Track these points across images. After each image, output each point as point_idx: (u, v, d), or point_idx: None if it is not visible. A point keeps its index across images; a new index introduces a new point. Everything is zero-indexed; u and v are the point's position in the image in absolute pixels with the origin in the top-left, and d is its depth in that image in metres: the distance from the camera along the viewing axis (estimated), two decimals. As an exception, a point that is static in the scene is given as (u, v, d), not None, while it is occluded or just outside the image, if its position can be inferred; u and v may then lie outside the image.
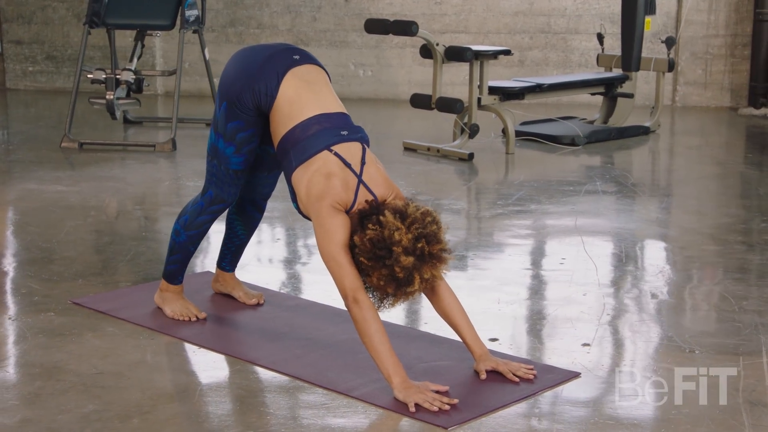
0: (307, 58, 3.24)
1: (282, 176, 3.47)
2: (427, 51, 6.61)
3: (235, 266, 3.74)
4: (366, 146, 3.11)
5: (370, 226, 2.87)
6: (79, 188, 5.55)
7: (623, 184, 5.85)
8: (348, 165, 3.02)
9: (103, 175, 5.96)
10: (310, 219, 3.06)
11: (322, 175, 3.00)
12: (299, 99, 3.12)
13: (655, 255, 4.47)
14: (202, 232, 3.48)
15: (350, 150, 3.06)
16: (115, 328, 3.43)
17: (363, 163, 3.05)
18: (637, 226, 4.90)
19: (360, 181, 3.01)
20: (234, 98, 3.19)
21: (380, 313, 2.94)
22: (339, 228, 2.93)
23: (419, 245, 2.83)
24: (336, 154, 3.03)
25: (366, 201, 2.98)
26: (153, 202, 5.41)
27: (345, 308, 3.53)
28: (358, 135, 3.11)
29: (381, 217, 2.86)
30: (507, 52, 6.72)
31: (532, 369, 3.06)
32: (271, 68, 3.16)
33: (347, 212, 2.99)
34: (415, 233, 2.84)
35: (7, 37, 9.83)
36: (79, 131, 7.19)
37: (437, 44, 6.49)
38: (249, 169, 3.36)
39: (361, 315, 2.88)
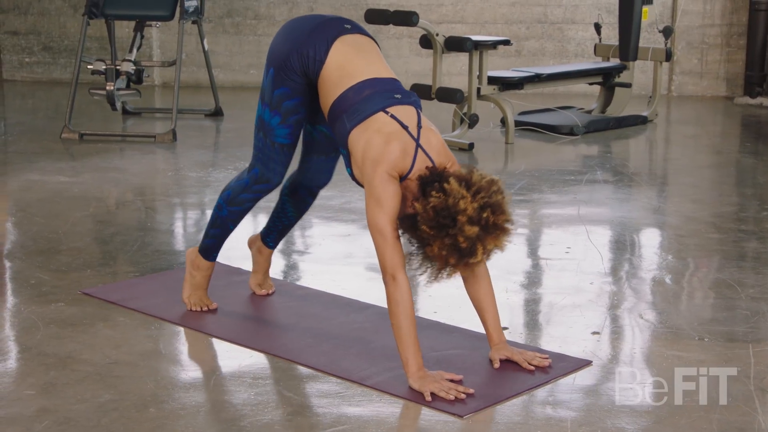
0: (358, 28, 3.16)
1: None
2: (426, 41, 6.60)
3: (277, 245, 3.65)
4: (420, 110, 3.04)
5: (433, 193, 2.78)
6: (82, 179, 5.54)
7: (623, 173, 5.86)
8: (405, 127, 2.93)
9: (104, 166, 5.95)
10: (362, 185, 2.98)
11: (382, 137, 2.90)
12: (349, 64, 3.04)
13: (659, 243, 4.47)
14: (244, 210, 3.39)
15: (406, 113, 2.97)
16: (126, 318, 3.43)
17: (419, 126, 2.96)
18: (639, 214, 4.91)
19: (418, 145, 2.92)
20: (282, 62, 3.12)
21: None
22: (390, 198, 2.85)
23: (484, 215, 2.75)
24: (393, 116, 2.94)
25: (426, 167, 2.89)
26: (156, 193, 5.40)
27: (354, 298, 3.57)
28: (412, 99, 3.03)
29: (445, 185, 2.77)
30: (506, 42, 6.72)
31: (546, 357, 3.07)
32: (321, 34, 3.09)
33: (405, 177, 2.90)
34: (481, 202, 2.76)
35: (3, 28, 9.79)
36: (77, 122, 7.16)
37: (437, 34, 6.49)
38: (295, 145, 3.26)
39: (396, 294, 2.84)
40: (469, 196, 2.76)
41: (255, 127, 3.28)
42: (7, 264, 4.01)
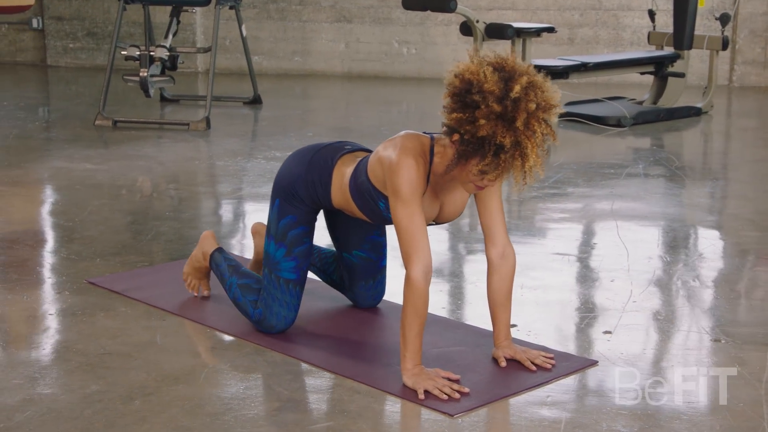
0: (358, 147, 3.20)
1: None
2: (467, 28, 6.58)
3: None
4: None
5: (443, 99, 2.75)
6: (108, 167, 5.62)
7: (668, 167, 5.78)
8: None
9: (134, 153, 6.02)
10: None
11: (387, 141, 2.95)
12: (349, 170, 3.09)
13: (690, 240, 4.40)
14: None
15: None
16: (128, 309, 3.47)
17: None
18: (676, 210, 4.84)
19: (430, 135, 2.92)
20: (287, 191, 3.17)
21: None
22: (405, 183, 2.81)
23: (490, 60, 2.70)
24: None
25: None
26: (181, 182, 5.45)
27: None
28: None
29: (448, 86, 2.73)
30: (551, 30, 6.67)
31: (551, 357, 3.04)
32: (322, 159, 3.14)
33: (431, 161, 2.87)
34: (479, 58, 2.72)
35: (48, 13, 9.96)
36: (117, 109, 7.27)
37: (477, 21, 6.46)
38: (301, 283, 3.22)
39: (406, 289, 2.83)
40: (469, 62, 2.72)
41: (262, 267, 3.29)
42: (17, 251, 4.08)
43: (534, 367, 2.99)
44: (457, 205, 3.04)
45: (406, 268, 2.83)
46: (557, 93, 2.73)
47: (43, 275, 3.80)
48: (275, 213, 3.21)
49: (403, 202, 2.82)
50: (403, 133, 2.94)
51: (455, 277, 3.87)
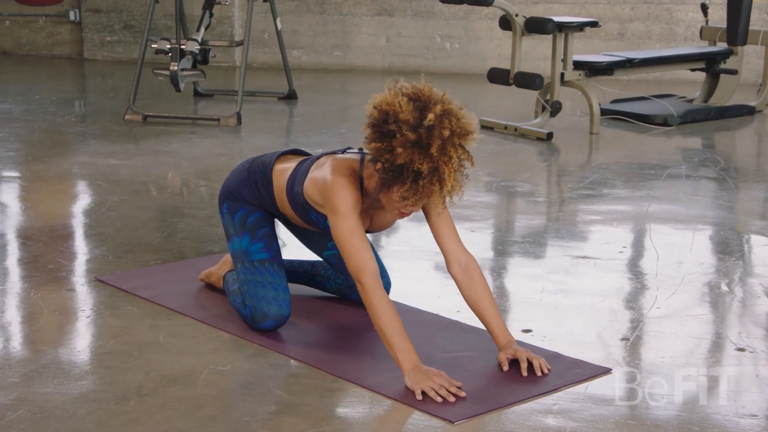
0: (297, 151, 3.42)
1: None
2: (506, 22, 6.55)
3: None
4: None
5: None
6: (132, 162, 5.68)
7: (712, 168, 5.72)
8: (344, 150, 3.17)
9: (160, 149, 6.08)
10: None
11: (322, 162, 3.14)
12: (288, 164, 3.29)
13: (725, 245, 4.34)
14: None
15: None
16: (134, 307, 3.51)
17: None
18: (716, 214, 4.78)
19: (361, 151, 3.09)
20: (232, 194, 3.38)
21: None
22: (341, 200, 2.98)
23: (404, 91, 2.85)
24: (324, 154, 3.19)
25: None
26: (205, 179, 5.50)
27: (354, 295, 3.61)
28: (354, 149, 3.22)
29: (368, 118, 2.88)
30: (594, 24, 6.61)
31: (547, 366, 3.03)
32: (261, 163, 3.35)
33: (362, 177, 3.03)
34: (395, 89, 2.87)
35: (85, 5, 10.09)
36: (149, 103, 7.35)
37: (516, 15, 6.44)
38: (276, 260, 3.33)
39: (366, 299, 2.94)
40: (386, 93, 2.86)
41: (234, 266, 3.41)
42: (31, 247, 4.15)
43: (525, 372, 2.98)
44: (387, 219, 3.22)
45: (357, 281, 2.95)
46: (473, 120, 2.90)
47: (53, 272, 3.85)
48: (227, 215, 3.40)
49: (343, 218, 2.98)
50: (336, 156, 3.12)
51: (457, 197, 3.84)
